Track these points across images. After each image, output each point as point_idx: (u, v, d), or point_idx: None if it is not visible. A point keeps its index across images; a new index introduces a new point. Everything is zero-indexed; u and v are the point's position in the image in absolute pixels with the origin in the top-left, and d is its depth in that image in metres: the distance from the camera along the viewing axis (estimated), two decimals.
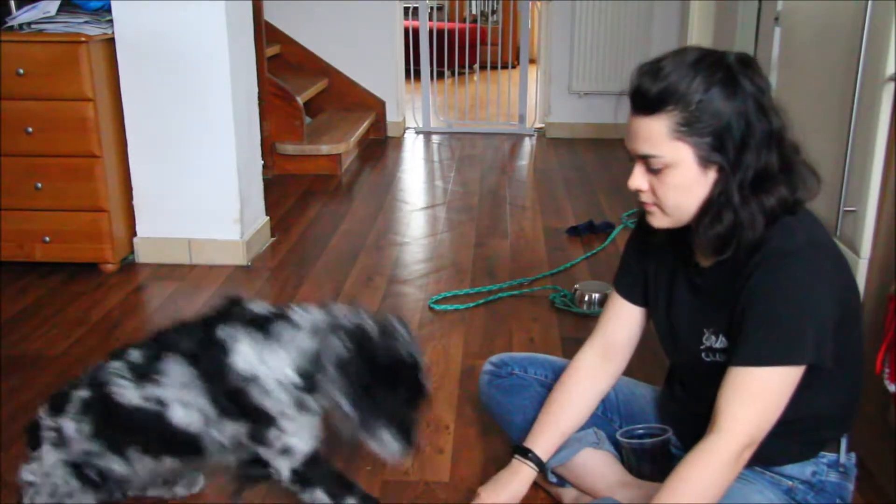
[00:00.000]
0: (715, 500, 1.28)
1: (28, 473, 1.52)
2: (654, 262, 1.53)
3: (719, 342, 1.39)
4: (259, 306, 1.44)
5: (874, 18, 1.80)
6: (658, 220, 1.38)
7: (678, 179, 1.31)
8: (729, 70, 1.27)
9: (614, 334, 1.62)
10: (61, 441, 1.48)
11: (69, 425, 1.47)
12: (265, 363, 1.36)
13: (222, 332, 1.39)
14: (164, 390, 1.40)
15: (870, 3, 1.80)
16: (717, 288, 1.39)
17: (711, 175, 1.30)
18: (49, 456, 1.50)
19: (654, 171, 1.32)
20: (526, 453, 1.59)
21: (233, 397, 1.38)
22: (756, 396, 1.28)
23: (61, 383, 2.18)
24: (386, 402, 1.35)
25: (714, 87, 1.26)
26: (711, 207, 1.30)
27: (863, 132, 1.83)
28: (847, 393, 1.44)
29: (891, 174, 1.75)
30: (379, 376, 1.35)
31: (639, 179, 1.35)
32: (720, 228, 1.30)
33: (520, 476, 1.59)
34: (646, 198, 1.36)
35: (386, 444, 1.37)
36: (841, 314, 1.30)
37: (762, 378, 1.28)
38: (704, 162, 1.29)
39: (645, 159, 1.32)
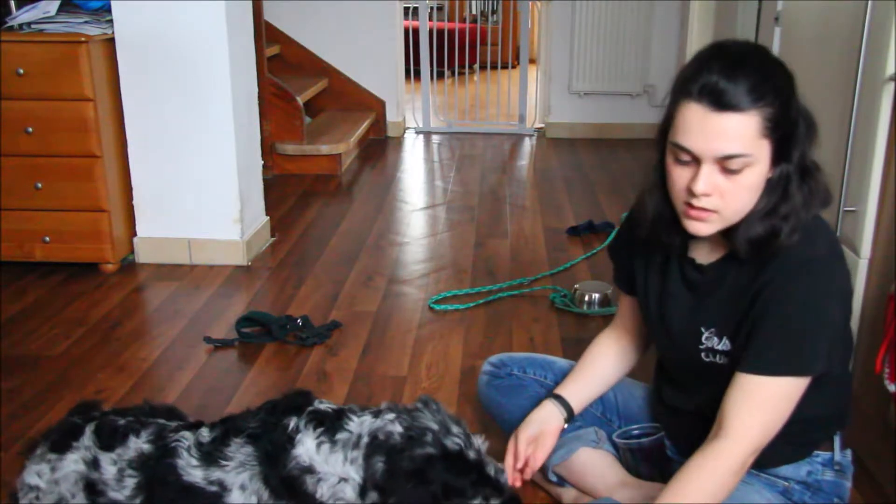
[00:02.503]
0: (722, 500, 1.28)
1: (34, 475, 1.46)
2: (643, 257, 1.50)
3: (722, 344, 1.37)
4: (325, 404, 1.45)
5: (874, 18, 1.80)
6: (708, 229, 1.29)
7: (753, 179, 1.24)
8: (783, 64, 1.24)
9: (625, 321, 1.65)
10: (90, 471, 1.44)
11: (109, 468, 1.43)
12: (327, 462, 1.38)
13: (291, 421, 1.41)
14: (227, 474, 1.40)
15: (870, 3, 1.80)
16: (718, 287, 1.37)
17: (772, 171, 1.26)
18: (68, 464, 1.45)
19: (730, 172, 1.22)
20: (553, 397, 1.61)
21: (287, 483, 1.38)
22: (766, 405, 1.27)
23: (64, 385, 2.20)
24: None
25: (787, 83, 1.23)
26: (767, 204, 1.26)
27: (863, 132, 1.82)
28: (837, 394, 1.44)
29: (891, 174, 1.75)
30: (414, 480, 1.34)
31: (710, 182, 1.23)
32: (776, 221, 1.25)
33: (545, 408, 1.60)
34: (708, 202, 1.24)
35: None
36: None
37: (773, 387, 1.27)
38: (776, 160, 1.24)
39: (725, 160, 1.21)
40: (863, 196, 1.82)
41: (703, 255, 1.40)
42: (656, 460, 1.57)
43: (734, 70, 1.19)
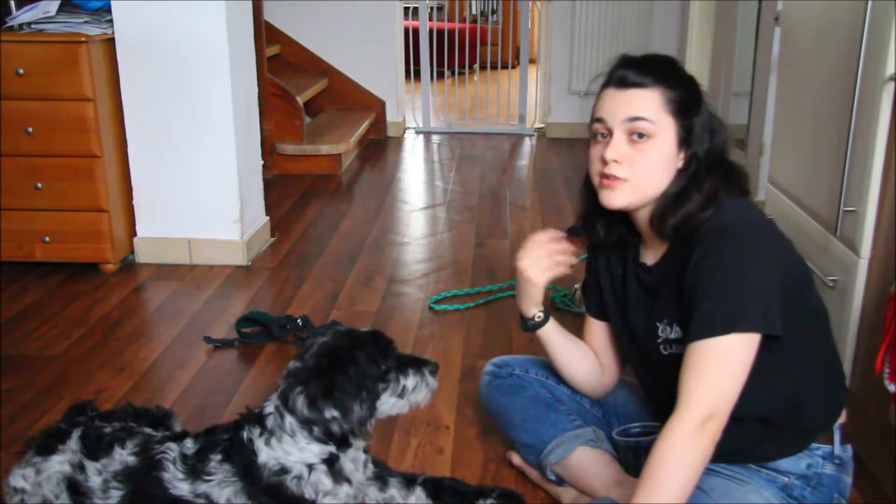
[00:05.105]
0: (693, 477, 1.26)
1: (20, 478, 1.48)
2: (607, 276, 1.58)
3: (674, 332, 1.40)
4: (258, 408, 1.50)
5: (874, 18, 1.79)
6: (619, 197, 1.39)
7: (659, 152, 1.36)
8: (684, 70, 1.42)
9: (592, 346, 1.68)
10: (75, 473, 1.46)
11: (95, 478, 1.45)
12: (288, 453, 1.42)
13: (244, 433, 1.45)
14: (212, 489, 1.42)
15: (870, 3, 1.80)
16: (665, 280, 1.42)
17: (682, 158, 1.38)
18: (52, 465, 1.47)
19: (637, 140, 1.35)
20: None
21: (270, 492, 1.41)
22: (709, 367, 1.28)
23: (64, 385, 2.20)
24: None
25: (690, 80, 1.40)
26: (680, 189, 1.37)
27: (863, 132, 1.82)
28: (819, 369, 1.44)
29: (891, 174, 1.75)
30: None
31: (618, 150, 1.36)
32: (688, 204, 1.35)
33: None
34: (618, 170, 1.36)
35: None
36: (786, 283, 1.32)
37: (713, 349, 1.28)
38: (681, 144, 1.37)
39: (633, 123, 1.35)
40: (863, 196, 1.81)
41: (651, 258, 1.48)
42: None
43: (642, 64, 1.39)
